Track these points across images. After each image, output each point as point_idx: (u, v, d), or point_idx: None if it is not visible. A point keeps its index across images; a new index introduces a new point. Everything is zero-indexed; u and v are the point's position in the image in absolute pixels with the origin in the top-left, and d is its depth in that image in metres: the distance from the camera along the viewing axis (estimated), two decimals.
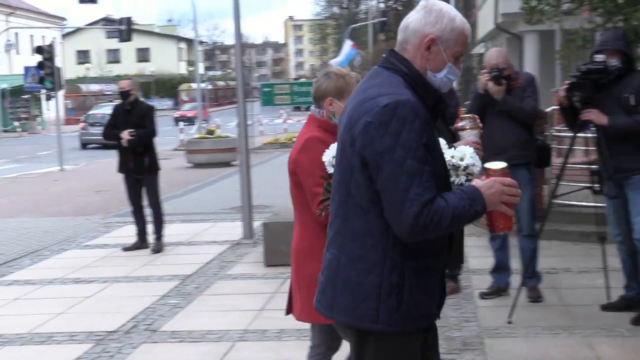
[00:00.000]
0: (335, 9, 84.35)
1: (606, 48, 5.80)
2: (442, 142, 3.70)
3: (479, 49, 40.09)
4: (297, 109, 55.20)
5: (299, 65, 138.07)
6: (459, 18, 2.82)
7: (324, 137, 3.89)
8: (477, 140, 4.42)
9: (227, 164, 21.23)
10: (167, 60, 79.53)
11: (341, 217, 2.82)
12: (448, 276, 7.02)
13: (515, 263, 6.88)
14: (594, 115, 5.85)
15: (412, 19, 2.83)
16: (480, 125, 4.52)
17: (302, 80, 67.77)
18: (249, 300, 7.21)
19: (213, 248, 9.63)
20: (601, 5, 7.23)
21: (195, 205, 13.87)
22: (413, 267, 2.75)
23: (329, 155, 3.75)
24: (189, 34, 75.82)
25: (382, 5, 64.76)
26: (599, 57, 5.75)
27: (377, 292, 2.74)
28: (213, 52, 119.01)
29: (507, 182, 2.76)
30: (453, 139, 4.43)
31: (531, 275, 6.60)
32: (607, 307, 6.27)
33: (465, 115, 4.67)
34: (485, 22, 30.51)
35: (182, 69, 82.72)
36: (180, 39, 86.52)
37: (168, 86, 71.14)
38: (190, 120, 44.35)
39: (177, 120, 45.23)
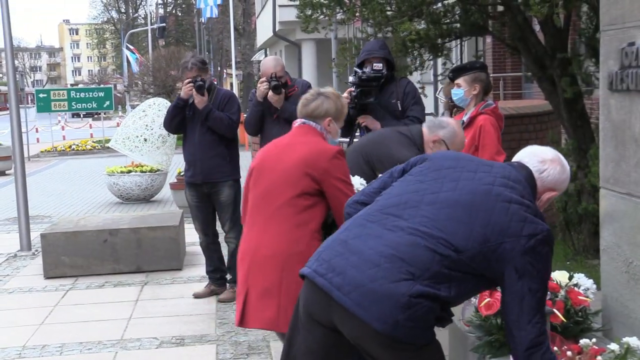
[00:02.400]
0: (114, 13, 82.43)
1: (373, 56, 6.11)
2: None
3: (258, 56, 40.70)
4: (76, 115, 53.57)
5: (77, 70, 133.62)
6: None
7: None
8: None
9: (1, 173, 20.24)
10: None
11: (437, 257, 2.93)
12: (233, 281, 7.12)
13: None
14: (369, 120, 6.15)
15: (549, 168, 3.22)
16: None
17: (80, 86, 65.85)
18: (28, 314, 6.94)
19: None
20: (371, 16, 7.58)
21: None
22: None
23: (357, 182, 4.11)
24: None
25: (161, 10, 63.99)
26: (378, 66, 6.04)
27: (430, 319, 2.97)
28: None
29: None
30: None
31: None
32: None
33: None
34: (264, 29, 31.00)
35: None
36: None
37: None
38: None
39: None
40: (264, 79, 6.70)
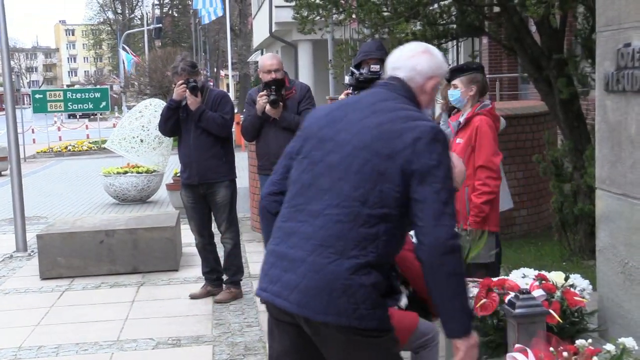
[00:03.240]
0: (110, 14, 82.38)
1: (371, 57, 6.11)
2: None
3: (254, 57, 40.68)
4: (73, 116, 53.50)
5: (73, 71, 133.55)
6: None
7: None
8: None
9: None
10: None
11: (348, 224, 2.89)
12: (229, 282, 7.12)
13: None
14: None
15: (418, 61, 3.12)
16: None
17: (77, 87, 65.70)
18: (24, 315, 6.93)
19: None
20: (367, 17, 7.58)
21: None
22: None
23: None
24: None
25: (157, 11, 63.96)
26: (375, 67, 6.04)
27: (375, 294, 2.88)
28: None
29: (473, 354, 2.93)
30: None
31: None
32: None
33: None
34: (261, 30, 30.99)
35: None
36: None
37: None
38: None
39: None
40: (263, 92, 6.71)
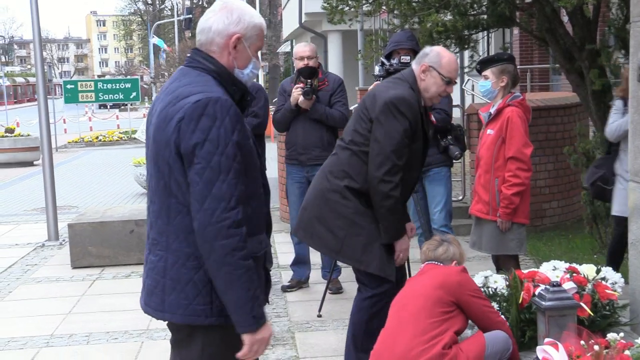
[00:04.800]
0: (140, 5, 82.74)
1: (401, 47, 6.07)
2: None
3: (284, 48, 40.66)
4: (103, 106, 53.92)
5: (104, 62, 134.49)
6: (257, 14, 2.93)
7: None
8: None
9: (29, 164, 20.41)
10: None
11: (164, 217, 2.82)
12: None
13: (317, 257, 7.07)
14: None
15: (214, 20, 2.87)
16: None
17: (107, 77, 65.94)
18: (55, 304, 7.00)
19: (15, 251, 9.24)
20: (397, 8, 7.55)
21: None
22: None
23: None
24: None
25: (187, 2, 64.13)
26: (405, 58, 6.00)
27: (208, 288, 2.79)
28: (11, 47, 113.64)
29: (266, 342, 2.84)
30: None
31: (333, 268, 6.72)
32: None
33: None
34: (290, 21, 30.94)
35: None
36: None
37: None
38: None
39: None
40: (298, 85, 6.67)
